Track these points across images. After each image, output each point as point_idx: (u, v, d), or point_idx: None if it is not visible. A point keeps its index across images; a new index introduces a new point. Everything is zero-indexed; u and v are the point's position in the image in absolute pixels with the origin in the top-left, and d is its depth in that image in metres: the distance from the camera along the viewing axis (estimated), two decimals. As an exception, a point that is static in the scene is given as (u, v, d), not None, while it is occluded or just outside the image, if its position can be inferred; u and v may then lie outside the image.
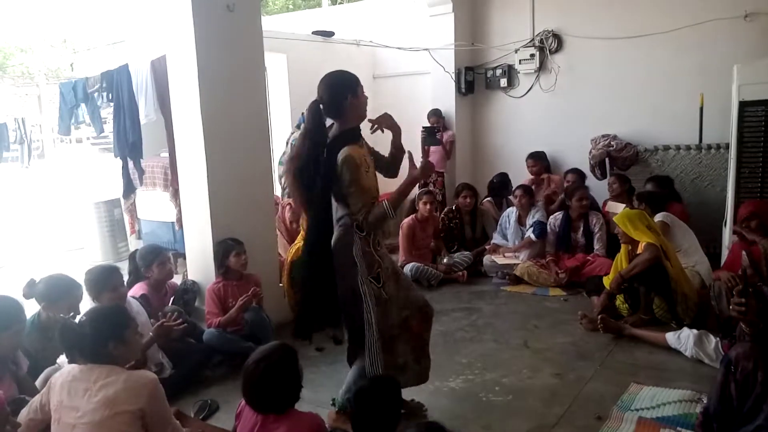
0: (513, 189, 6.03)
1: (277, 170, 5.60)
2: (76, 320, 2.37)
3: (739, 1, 5.54)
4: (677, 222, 4.57)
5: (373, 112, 2.92)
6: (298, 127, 5.19)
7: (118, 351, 2.28)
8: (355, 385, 2.73)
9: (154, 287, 3.85)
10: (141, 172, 5.57)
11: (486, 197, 6.48)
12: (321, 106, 2.77)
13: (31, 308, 3.12)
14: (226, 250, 3.95)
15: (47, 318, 3.07)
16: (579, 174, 6.16)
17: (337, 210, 2.81)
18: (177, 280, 4.55)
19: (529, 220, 5.62)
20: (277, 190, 5.56)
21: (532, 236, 5.49)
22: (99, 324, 2.28)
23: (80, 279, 3.25)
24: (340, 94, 2.75)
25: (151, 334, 3.20)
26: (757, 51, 5.36)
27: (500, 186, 6.46)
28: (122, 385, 2.17)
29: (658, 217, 4.50)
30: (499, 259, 5.56)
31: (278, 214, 5.58)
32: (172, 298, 4.12)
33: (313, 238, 2.86)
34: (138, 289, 3.76)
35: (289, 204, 5.40)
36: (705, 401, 2.79)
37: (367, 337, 2.79)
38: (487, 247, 5.78)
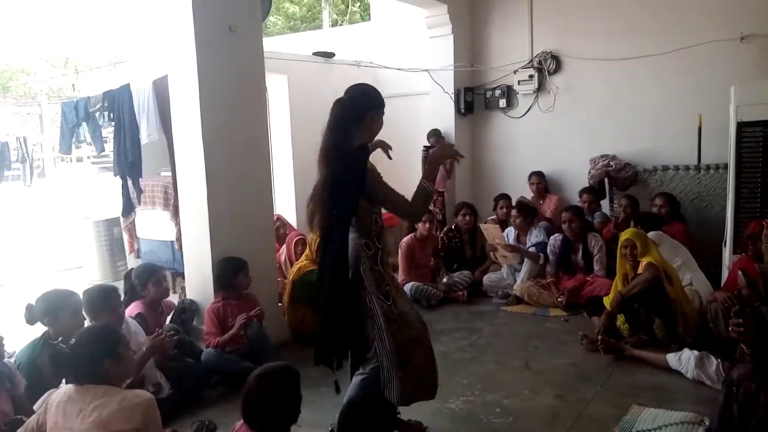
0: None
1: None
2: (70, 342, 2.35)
3: (735, 24, 5.61)
4: (666, 239, 4.57)
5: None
6: None
7: (114, 368, 2.27)
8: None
9: (150, 306, 3.84)
10: (140, 191, 5.58)
11: (491, 217, 6.44)
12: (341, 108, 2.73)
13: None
14: (236, 268, 3.93)
15: (55, 334, 3.05)
16: (592, 192, 6.06)
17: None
18: (173, 299, 4.54)
19: (530, 239, 5.61)
20: (277, 210, 5.54)
21: (541, 255, 5.46)
22: (92, 344, 2.27)
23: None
24: (365, 105, 2.75)
25: (144, 349, 3.17)
26: (754, 72, 5.42)
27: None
28: (117, 406, 2.14)
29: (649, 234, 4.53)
30: (493, 230, 5.61)
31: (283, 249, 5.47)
32: (169, 317, 4.10)
33: (334, 265, 2.70)
34: (134, 308, 3.75)
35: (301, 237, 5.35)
36: (707, 423, 2.77)
37: (379, 354, 2.73)
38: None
